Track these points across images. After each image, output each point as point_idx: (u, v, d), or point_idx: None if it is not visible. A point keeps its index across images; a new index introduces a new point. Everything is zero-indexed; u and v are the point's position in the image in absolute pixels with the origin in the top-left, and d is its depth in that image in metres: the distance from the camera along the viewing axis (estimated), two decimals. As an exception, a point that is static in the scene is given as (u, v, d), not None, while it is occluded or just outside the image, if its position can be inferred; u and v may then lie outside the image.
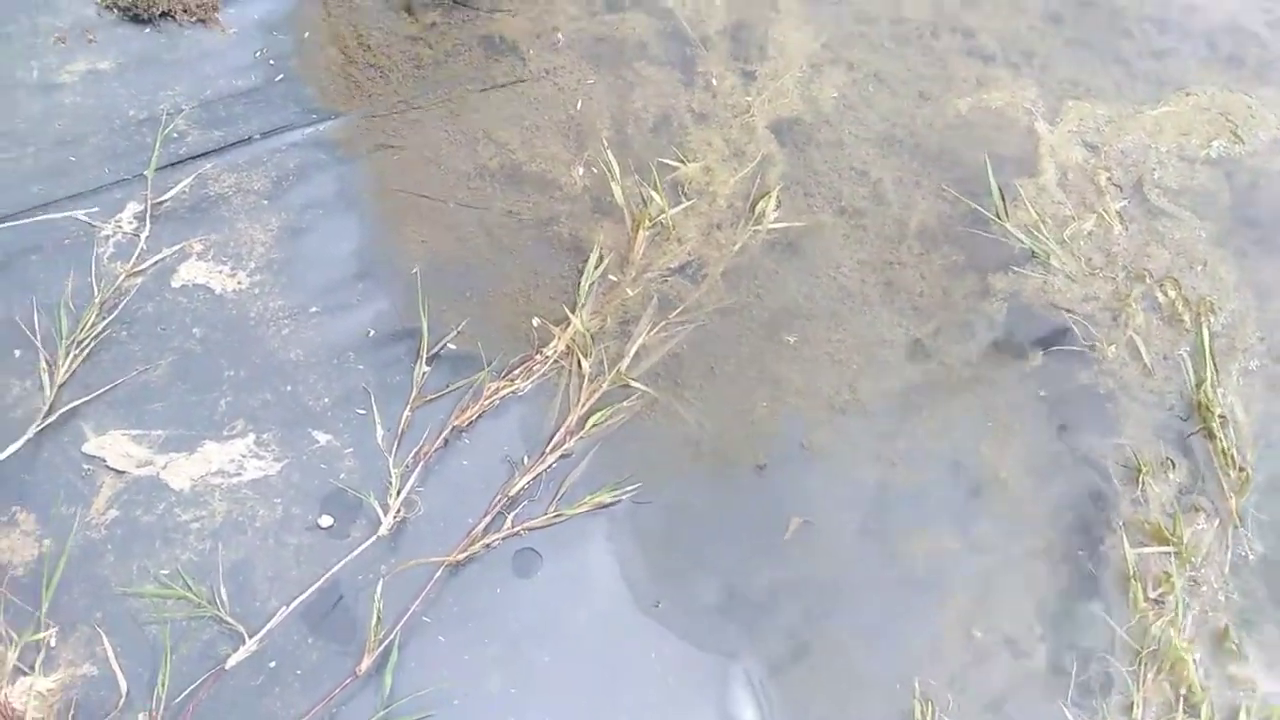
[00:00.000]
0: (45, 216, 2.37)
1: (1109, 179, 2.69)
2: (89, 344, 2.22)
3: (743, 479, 2.21)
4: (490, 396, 2.24)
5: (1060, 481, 2.27)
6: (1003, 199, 2.63)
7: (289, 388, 2.23)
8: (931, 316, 2.47)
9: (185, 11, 2.81)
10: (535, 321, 2.38)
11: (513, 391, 2.26)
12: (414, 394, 2.24)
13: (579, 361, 2.30)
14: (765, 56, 2.84)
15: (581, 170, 2.62)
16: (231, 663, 1.87)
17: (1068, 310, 2.50)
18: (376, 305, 2.39)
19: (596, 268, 2.43)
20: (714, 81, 2.78)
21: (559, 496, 2.14)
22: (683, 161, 2.63)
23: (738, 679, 2.01)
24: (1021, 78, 2.85)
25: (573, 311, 2.36)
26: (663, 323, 2.39)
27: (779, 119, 2.73)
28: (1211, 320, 2.44)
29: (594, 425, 2.22)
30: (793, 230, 2.56)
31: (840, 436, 2.30)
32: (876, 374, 2.39)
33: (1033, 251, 2.56)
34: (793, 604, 2.09)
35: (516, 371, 2.30)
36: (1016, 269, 2.56)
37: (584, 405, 2.24)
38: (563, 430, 2.21)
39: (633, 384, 2.28)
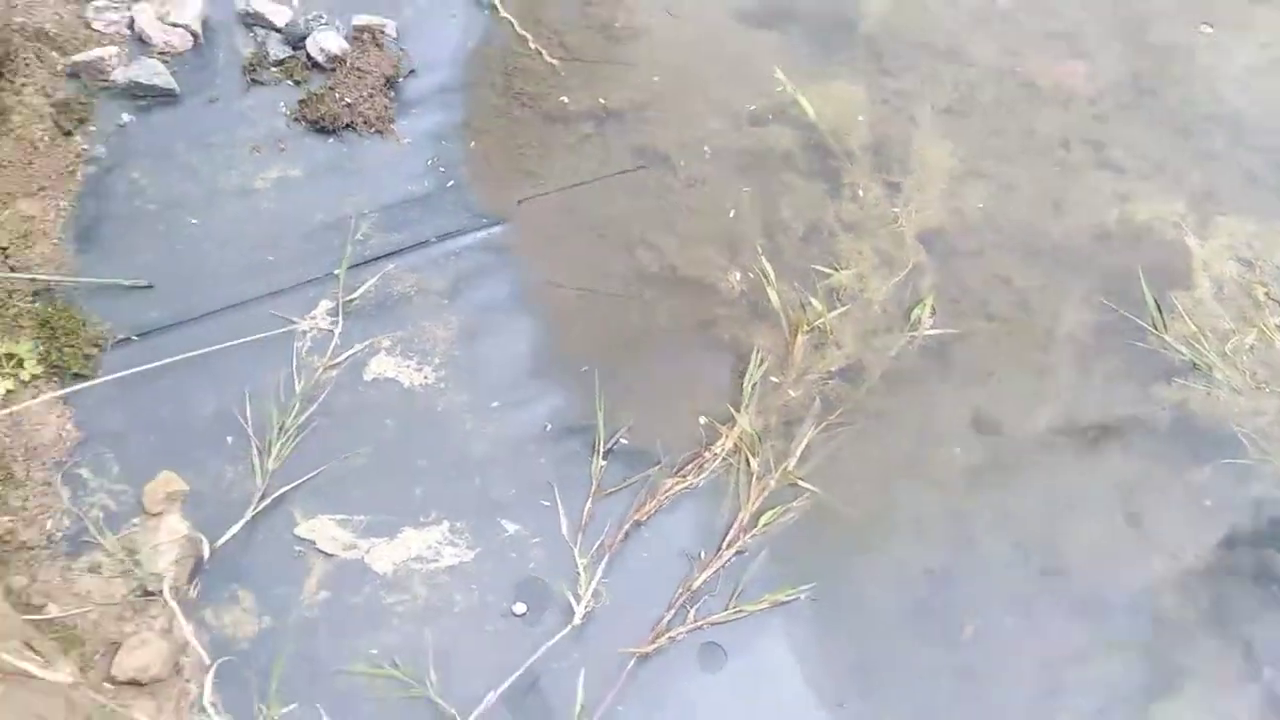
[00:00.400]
0: (254, 335, 2.58)
1: (1266, 294, 2.76)
2: (294, 433, 2.39)
3: (912, 580, 2.29)
4: (666, 492, 2.36)
5: (1237, 598, 2.30)
6: (1159, 310, 2.71)
7: (477, 479, 2.38)
8: (1091, 426, 2.55)
9: (365, 124, 3.07)
10: (702, 420, 2.51)
11: (686, 488, 2.38)
12: (594, 487, 2.36)
13: (747, 460, 2.41)
14: (908, 170, 2.99)
15: (738, 275, 2.77)
16: (446, 746, 1.97)
17: (1236, 425, 2.55)
18: (552, 401, 2.54)
19: (758, 369, 2.56)
20: (860, 193, 2.94)
21: (738, 593, 2.23)
22: (835, 269, 2.77)
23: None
24: (1156, 190, 2.96)
25: (738, 410, 2.48)
26: (825, 424, 2.50)
27: (925, 229, 2.87)
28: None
29: (765, 524, 2.32)
30: (945, 336, 2.67)
31: (1007, 542, 2.36)
32: (1039, 483, 2.46)
33: (1194, 364, 2.63)
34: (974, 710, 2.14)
35: (688, 468, 2.42)
36: (1179, 380, 2.63)
37: (754, 503, 2.35)
38: (736, 527, 2.31)
39: (801, 484, 2.39)
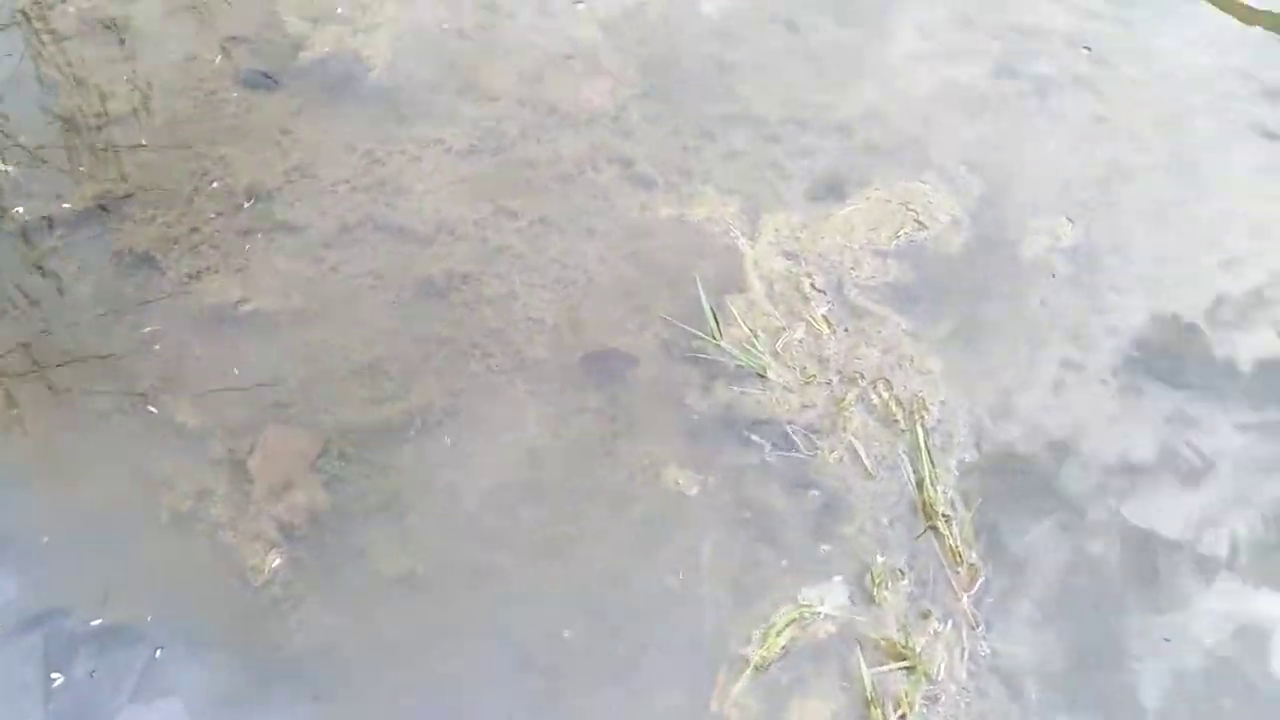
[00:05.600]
0: None
1: (812, 284, 2.66)
2: None
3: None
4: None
5: (789, 601, 2.12)
6: (715, 319, 2.54)
7: None
8: (645, 453, 2.33)
9: None
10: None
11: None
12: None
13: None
14: (426, 220, 2.71)
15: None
16: None
17: (788, 421, 2.40)
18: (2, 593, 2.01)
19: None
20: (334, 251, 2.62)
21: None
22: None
23: None
24: (692, 197, 2.82)
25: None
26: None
27: (448, 271, 2.60)
28: (925, 416, 2.39)
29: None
30: (470, 400, 2.39)
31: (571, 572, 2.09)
32: (600, 519, 2.21)
33: (749, 367, 2.47)
34: None
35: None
36: (737, 387, 2.46)
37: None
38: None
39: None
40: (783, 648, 2.05)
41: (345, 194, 2.76)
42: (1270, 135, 2.95)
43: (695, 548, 2.21)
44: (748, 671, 2.03)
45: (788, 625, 2.08)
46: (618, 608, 2.13)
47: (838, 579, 2.16)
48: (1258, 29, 3.20)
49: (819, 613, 2.09)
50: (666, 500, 2.27)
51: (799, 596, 2.14)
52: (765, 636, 2.07)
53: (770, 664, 2.04)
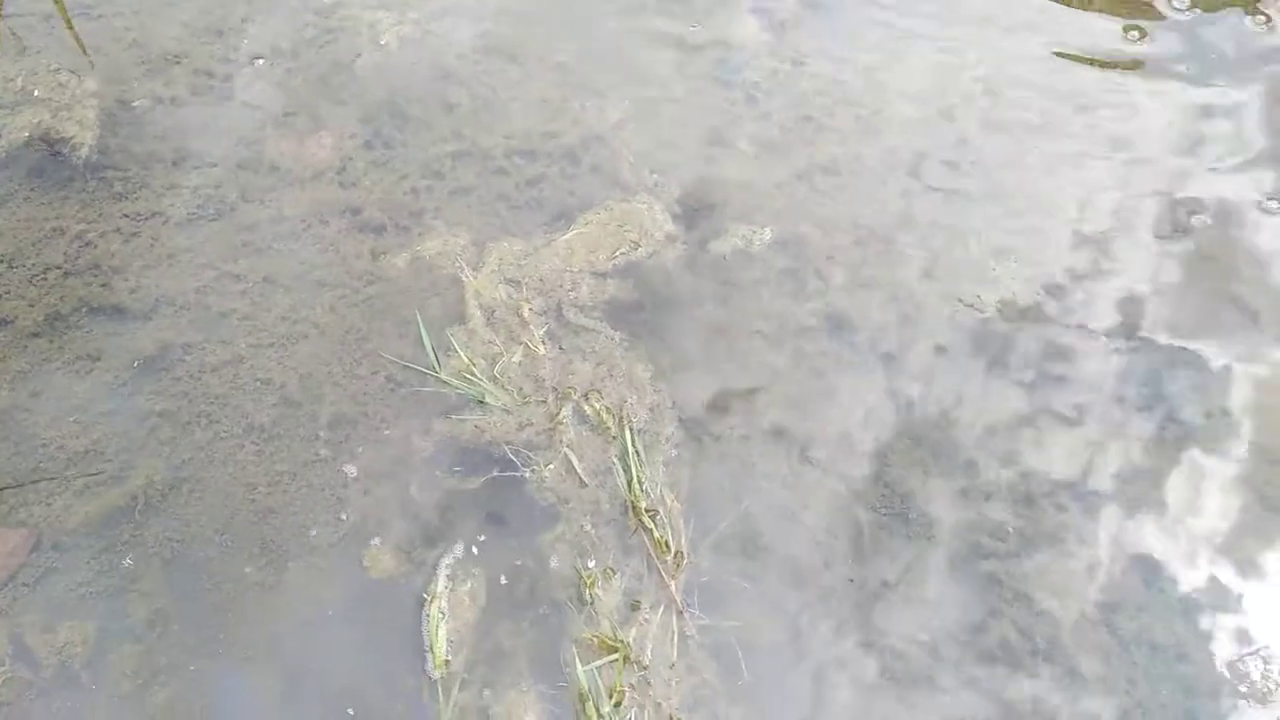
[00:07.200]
0: None
1: (531, 309, 2.77)
2: None
3: None
4: None
5: (516, 620, 2.22)
6: (435, 353, 2.62)
7: None
8: (368, 495, 2.38)
9: None
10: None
11: None
12: None
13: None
14: (146, 299, 2.69)
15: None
16: None
17: (507, 442, 2.50)
18: None
19: None
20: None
21: None
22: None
23: None
24: (419, 237, 2.90)
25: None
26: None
27: (167, 343, 2.59)
28: (634, 419, 2.54)
29: None
30: (196, 469, 2.38)
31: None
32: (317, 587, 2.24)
33: (469, 395, 2.56)
34: None
35: None
36: (456, 415, 2.55)
37: None
38: None
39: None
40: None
41: (56, 280, 2.71)
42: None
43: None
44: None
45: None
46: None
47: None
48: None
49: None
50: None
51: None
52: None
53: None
